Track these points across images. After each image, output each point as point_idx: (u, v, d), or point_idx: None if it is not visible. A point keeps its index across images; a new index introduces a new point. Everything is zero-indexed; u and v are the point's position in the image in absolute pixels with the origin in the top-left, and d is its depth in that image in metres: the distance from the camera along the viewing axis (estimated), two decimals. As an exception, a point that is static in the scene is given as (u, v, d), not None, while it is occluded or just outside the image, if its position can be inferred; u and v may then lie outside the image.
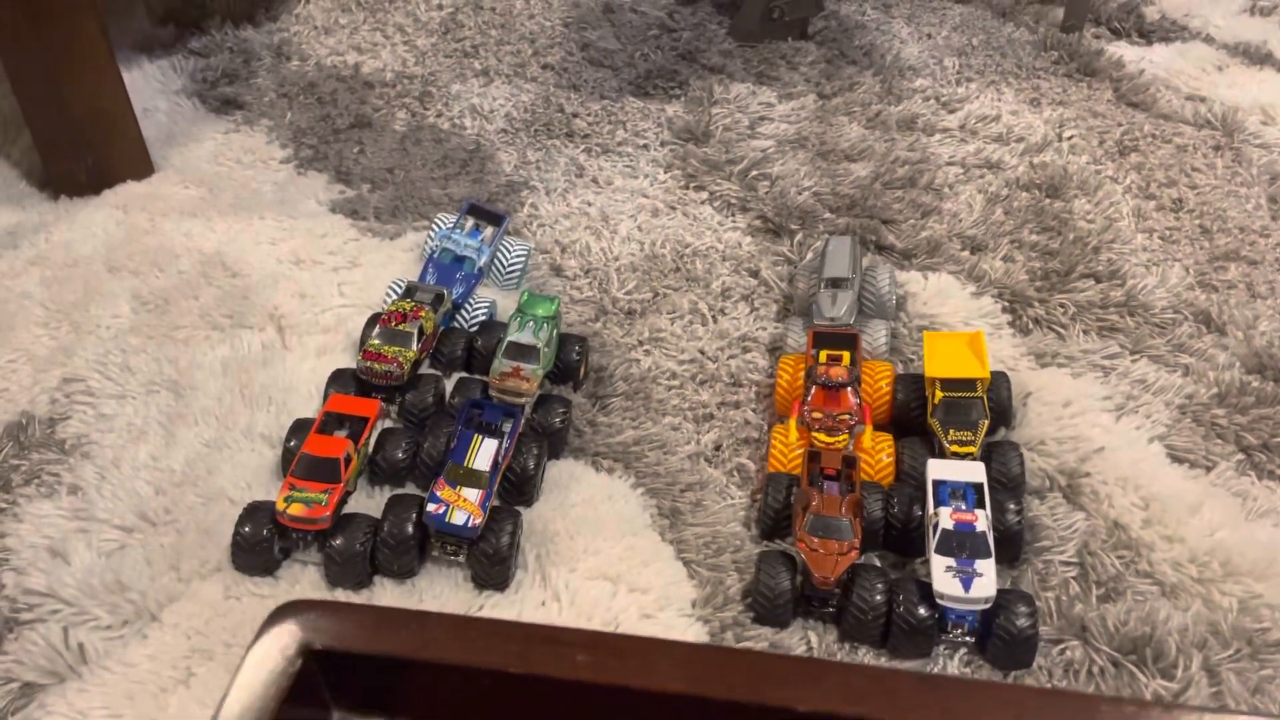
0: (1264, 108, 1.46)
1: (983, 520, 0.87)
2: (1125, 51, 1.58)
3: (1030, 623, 0.83)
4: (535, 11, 1.66)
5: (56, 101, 1.24)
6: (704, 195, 1.32)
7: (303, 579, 0.89)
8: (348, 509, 0.92)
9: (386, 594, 0.88)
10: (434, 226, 1.22)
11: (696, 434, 1.04)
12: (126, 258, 1.20)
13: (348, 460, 0.91)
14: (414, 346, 1.02)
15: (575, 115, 1.45)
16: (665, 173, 1.36)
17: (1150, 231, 1.26)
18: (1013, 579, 0.90)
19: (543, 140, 1.42)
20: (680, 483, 0.99)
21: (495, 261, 1.19)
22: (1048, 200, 1.31)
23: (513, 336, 1.03)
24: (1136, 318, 1.15)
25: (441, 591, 0.89)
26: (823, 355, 1.02)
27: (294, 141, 1.40)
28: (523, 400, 1.00)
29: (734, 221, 1.29)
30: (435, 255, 1.16)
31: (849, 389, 0.99)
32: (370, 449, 0.97)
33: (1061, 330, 1.14)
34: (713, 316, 1.16)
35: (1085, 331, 1.13)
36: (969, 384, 0.99)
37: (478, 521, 0.88)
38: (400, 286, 1.12)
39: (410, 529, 0.88)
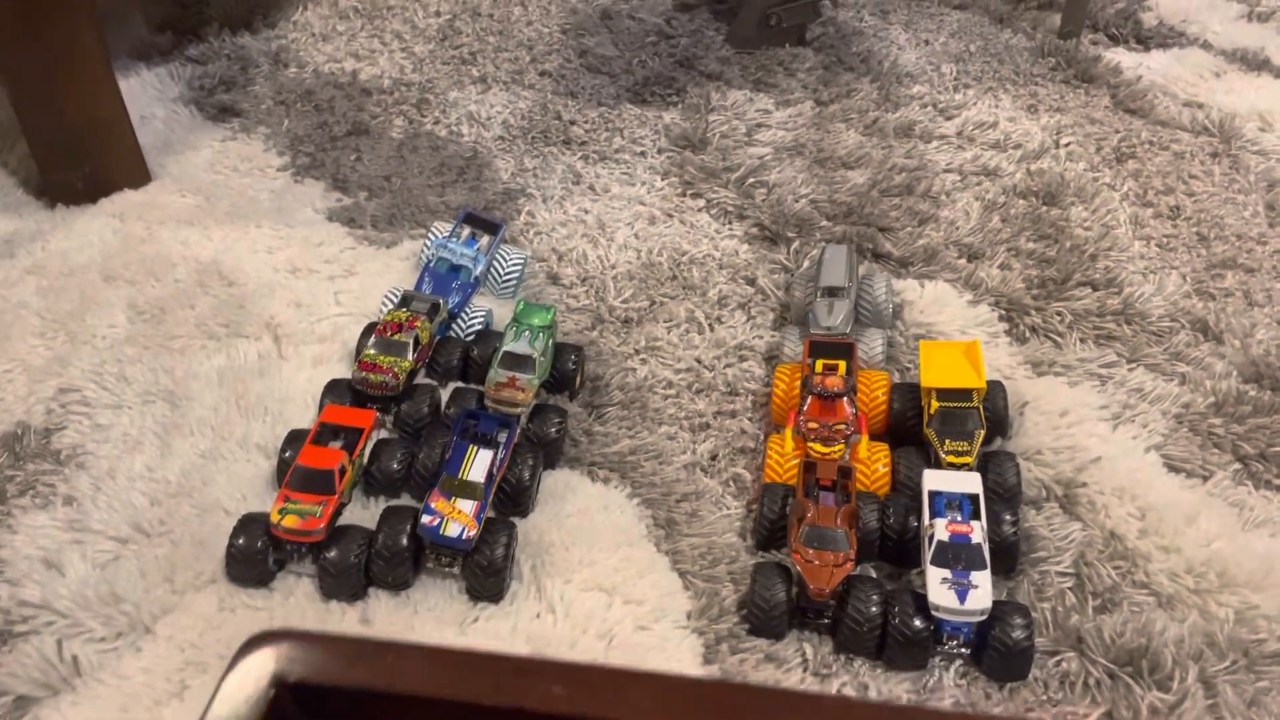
0: (1261, 114, 1.46)
1: (978, 532, 0.87)
2: (1123, 58, 1.58)
3: (1026, 634, 0.83)
4: (533, 18, 1.66)
5: (53, 110, 1.24)
6: (701, 203, 1.32)
7: (297, 591, 0.89)
8: (343, 520, 0.92)
9: (381, 606, 0.88)
10: (430, 235, 1.22)
11: (692, 443, 1.04)
12: (123, 267, 1.20)
13: (342, 472, 0.91)
14: (409, 356, 1.02)
15: (572, 122, 1.45)
16: (662, 180, 1.36)
17: (1147, 239, 1.26)
18: (1009, 590, 0.90)
19: (540, 147, 1.42)
20: (676, 493, 0.98)
21: (491, 270, 1.19)
22: (1045, 208, 1.30)
23: (508, 346, 1.03)
24: (1133, 326, 1.14)
25: (436, 603, 0.88)
26: (819, 365, 1.02)
27: (291, 149, 1.40)
28: (518, 410, 1.00)
29: (731, 229, 1.28)
30: (431, 264, 1.16)
31: (845, 399, 0.98)
32: (365, 460, 0.97)
33: (1058, 339, 1.13)
34: (709, 325, 1.16)
35: (1082, 340, 1.13)
36: (965, 394, 0.99)
37: (472, 533, 0.87)
38: (396, 295, 1.12)
39: (405, 541, 0.88)
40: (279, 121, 1.45)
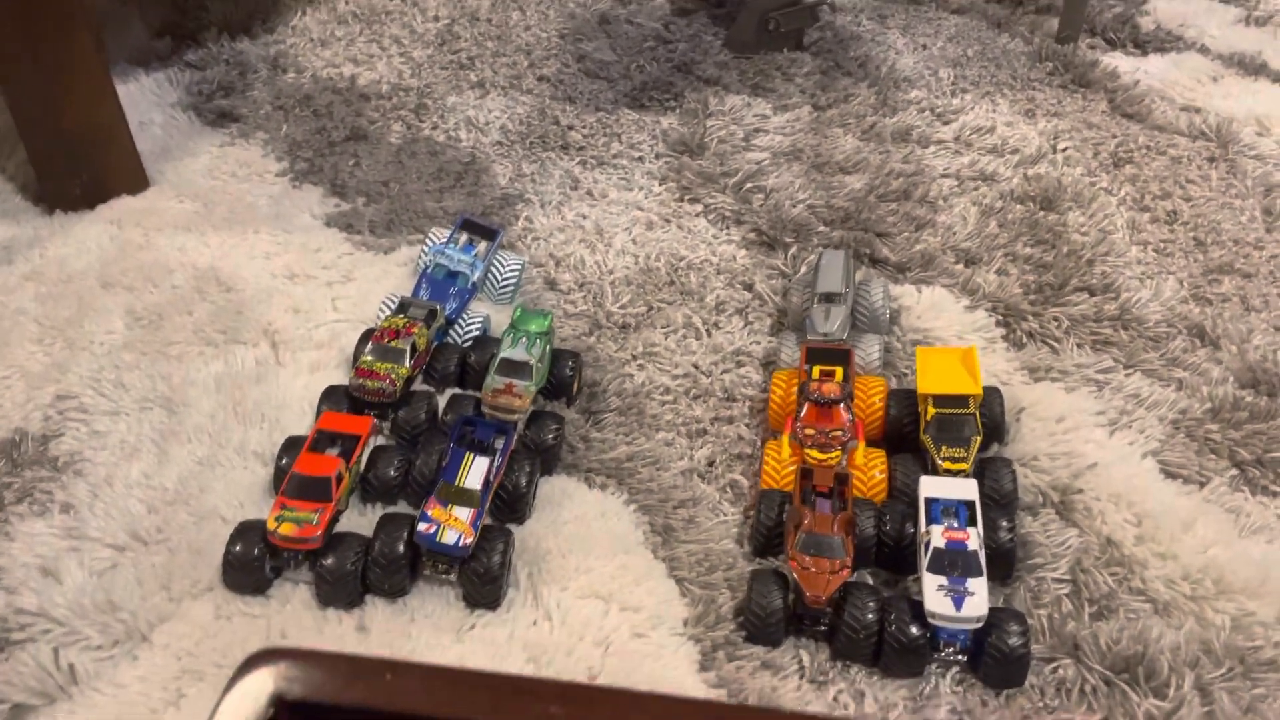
0: (1259, 118, 1.46)
1: (974, 539, 0.87)
2: (1120, 62, 1.58)
3: (1022, 641, 0.83)
4: (531, 23, 1.66)
5: (51, 116, 1.24)
6: (699, 208, 1.33)
7: (294, 598, 0.89)
8: (339, 527, 0.92)
9: (378, 613, 0.88)
10: (428, 241, 1.22)
11: (690, 449, 1.04)
12: (121, 273, 1.20)
13: (339, 479, 0.91)
14: (406, 363, 1.02)
15: (570, 127, 1.45)
16: (660, 185, 1.36)
17: (1145, 244, 1.26)
18: (1005, 596, 0.90)
19: (538, 153, 1.42)
20: (673, 499, 0.99)
21: (489, 276, 1.19)
22: (1042, 213, 1.31)
23: (505, 353, 1.03)
24: (1130, 331, 1.15)
25: (433, 611, 0.89)
26: (815, 371, 1.02)
27: (289, 154, 1.40)
28: (515, 417, 1.00)
29: (728, 234, 1.29)
30: (429, 270, 1.16)
31: (841, 405, 0.99)
32: (362, 467, 0.97)
33: (1055, 344, 1.13)
34: (707, 330, 1.16)
35: (1079, 345, 1.13)
36: (961, 400, 0.99)
37: (469, 541, 0.88)
38: (394, 301, 1.12)
39: (401, 548, 0.88)
40: (277, 127, 1.45)
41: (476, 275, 1.17)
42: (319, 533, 0.88)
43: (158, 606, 0.88)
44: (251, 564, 0.88)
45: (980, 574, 0.85)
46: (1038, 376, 1.10)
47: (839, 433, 0.97)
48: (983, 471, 0.96)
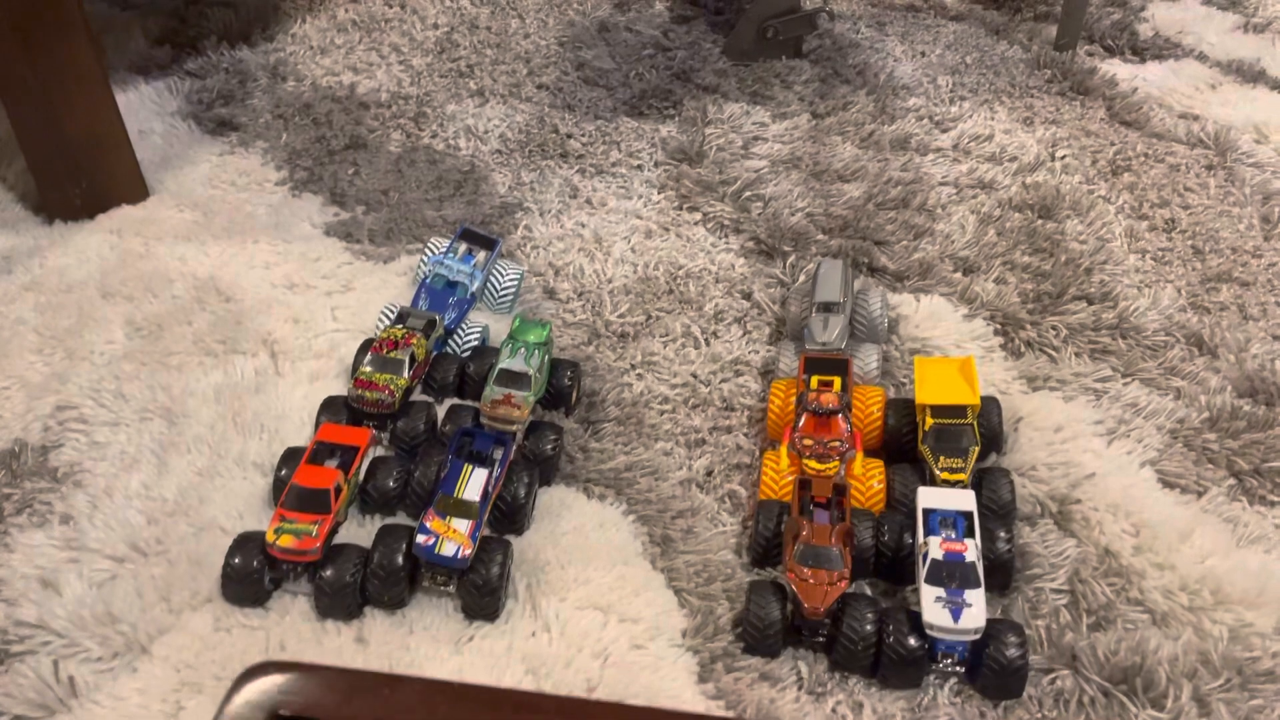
0: (1257, 126, 1.46)
1: (972, 550, 0.87)
2: (1118, 70, 1.58)
3: (1020, 653, 0.83)
4: (530, 31, 1.67)
5: (51, 126, 1.24)
6: (697, 216, 1.33)
7: (293, 610, 0.89)
8: (338, 539, 0.93)
9: (377, 625, 0.88)
10: (427, 251, 1.22)
11: (688, 459, 1.04)
12: (120, 283, 1.20)
13: (338, 491, 0.92)
14: (405, 374, 1.03)
15: (569, 136, 1.46)
16: (659, 193, 1.36)
17: (1143, 252, 1.26)
18: (1003, 607, 0.90)
19: (537, 161, 1.42)
20: (671, 509, 0.99)
21: (488, 286, 1.19)
22: (1040, 221, 1.31)
23: (504, 363, 1.03)
24: (1128, 340, 1.15)
25: (432, 622, 0.89)
26: (814, 381, 1.03)
27: (289, 163, 1.41)
28: (514, 427, 1.00)
29: (727, 243, 1.29)
30: (428, 280, 1.16)
31: (840, 415, 0.99)
32: (361, 478, 0.97)
33: (1053, 353, 1.14)
34: (705, 339, 1.16)
35: (1077, 354, 1.13)
36: (959, 410, 0.99)
37: (467, 553, 0.88)
38: (393, 311, 1.12)
39: (400, 560, 0.88)
40: (277, 135, 1.45)
41: (475, 285, 1.17)
42: (318, 544, 0.88)
43: (157, 618, 0.88)
44: (251, 576, 0.88)
45: (978, 585, 0.85)
46: (1036, 385, 1.10)
47: (837, 443, 0.97)
48: (980, 482, 0.96)
